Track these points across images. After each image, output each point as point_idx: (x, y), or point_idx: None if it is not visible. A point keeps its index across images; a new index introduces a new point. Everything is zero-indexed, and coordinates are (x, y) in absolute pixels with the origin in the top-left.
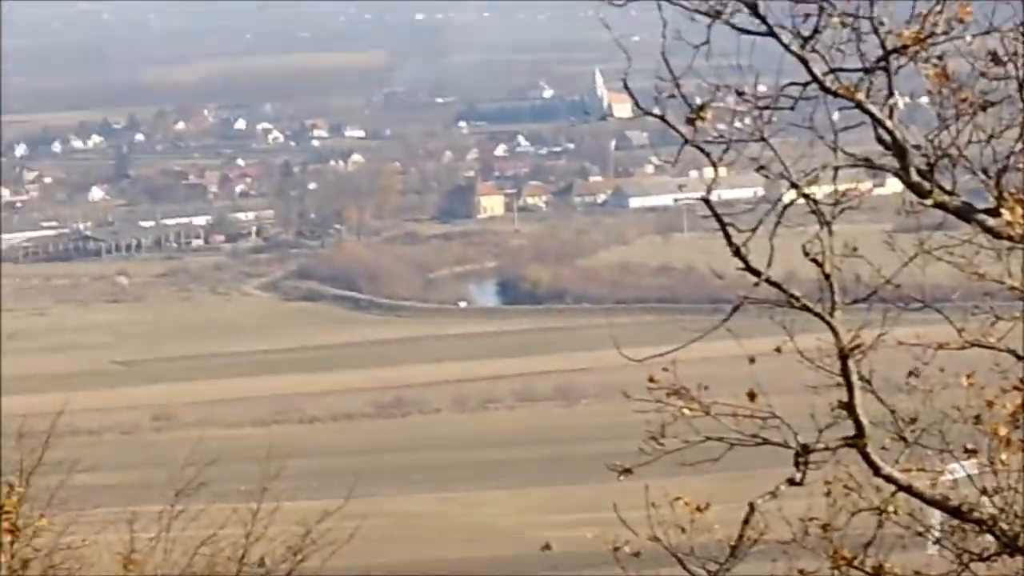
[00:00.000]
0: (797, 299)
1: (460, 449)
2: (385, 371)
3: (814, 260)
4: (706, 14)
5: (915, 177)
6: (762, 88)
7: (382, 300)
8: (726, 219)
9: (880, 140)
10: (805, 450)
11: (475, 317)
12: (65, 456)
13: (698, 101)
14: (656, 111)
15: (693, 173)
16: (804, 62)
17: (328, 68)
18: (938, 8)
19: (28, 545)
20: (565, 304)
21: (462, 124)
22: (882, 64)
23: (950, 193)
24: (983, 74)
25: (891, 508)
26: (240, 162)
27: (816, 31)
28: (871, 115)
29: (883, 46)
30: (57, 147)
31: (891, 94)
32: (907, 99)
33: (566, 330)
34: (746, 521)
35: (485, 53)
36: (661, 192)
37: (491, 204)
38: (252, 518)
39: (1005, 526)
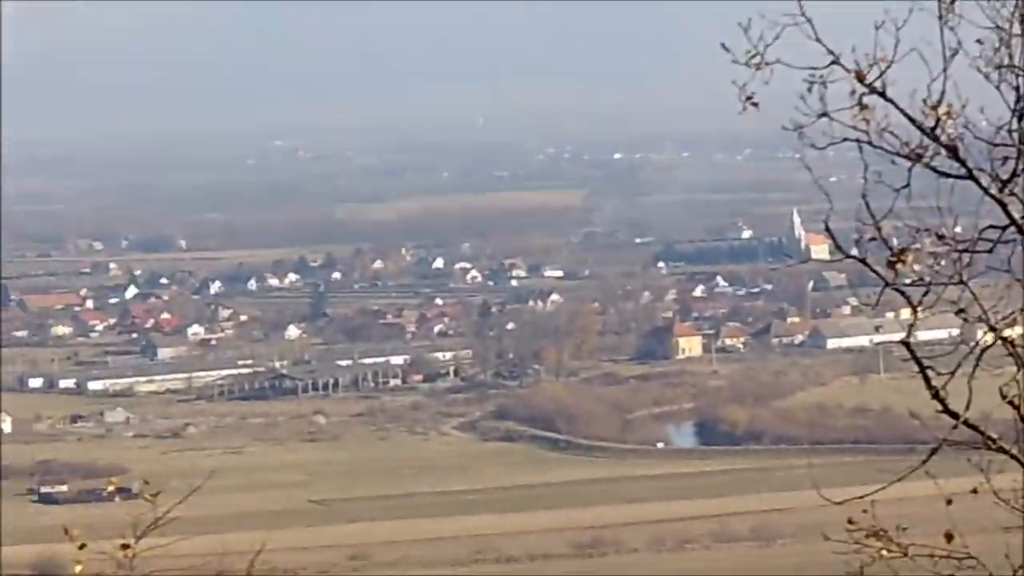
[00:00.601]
0: (994, 441)
1: None
2: (583, 511)
3: (1011, 403)
4: (907, 157)
5: None
6: (959, 230)
7: (580, 440)
8: (924, 361)
9: None
10: None
11: (673, 458)
12: None
13: (895, 243)
14: (854, 252)
15: (889, 314)
16: (1002, 205)
17: (527, 207)
18: None
19: None
20: (762, 445)
21: (661, 265)
22: None
23: None
24: None
25: None
26: (438, 301)
27: (1014, 174)
28: None
29: None
30: (253, 285)
31: None
32: None
33: (763, 471)
34: None
35: (683, 193)
36: (857, 333)
37: (689, 345)
38: None
39: None
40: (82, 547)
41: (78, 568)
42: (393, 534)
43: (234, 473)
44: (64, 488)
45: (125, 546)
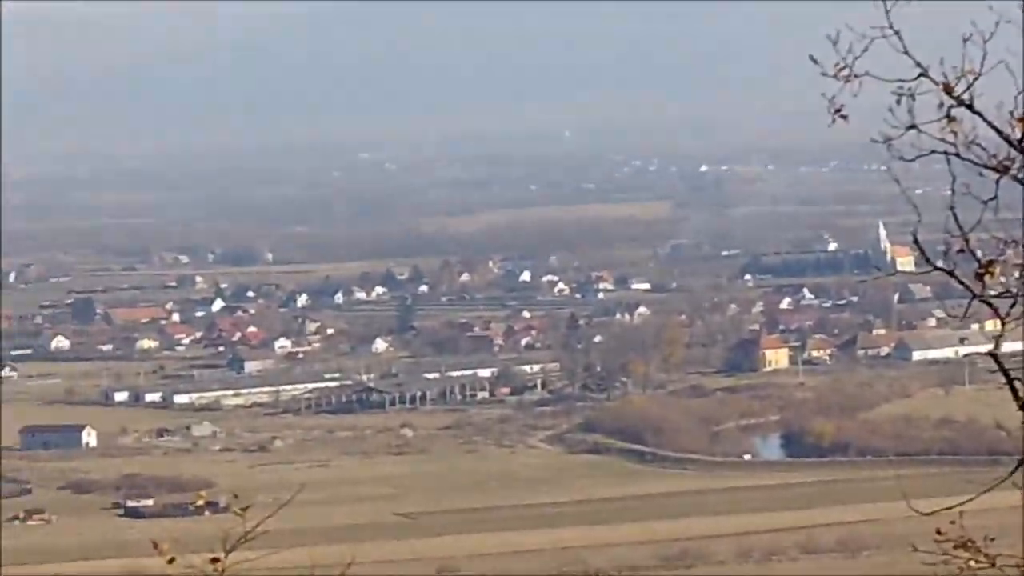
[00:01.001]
0: None
1: None
2: (670, 523)
3: None
4: (994, 169)
5: None
6: None
7: (667, 453)
8: (1011, 373)
9: None
10: None
11: (759, 470)
12: None
13: (980, 254)
14: (941, 264)
15: (974, 326)
16: None
17: (613, 220)
18: None
19: None
20: (848, 457)
21: (747, 277)
22: None
23: None
24: None
25: None
26: (525, 314)
27: None
28: None
29: None
30: (339, 298)
31: None
32: None
33: (849, 482)
34: None
35: (769, 205)
36: (943, 345)
37: (776, 357)
38: None
39: None
40: (171, 561)
41: None
42: (480, 547)
43: (321, 486)
44: (150, 502)
45: (215, 559)
